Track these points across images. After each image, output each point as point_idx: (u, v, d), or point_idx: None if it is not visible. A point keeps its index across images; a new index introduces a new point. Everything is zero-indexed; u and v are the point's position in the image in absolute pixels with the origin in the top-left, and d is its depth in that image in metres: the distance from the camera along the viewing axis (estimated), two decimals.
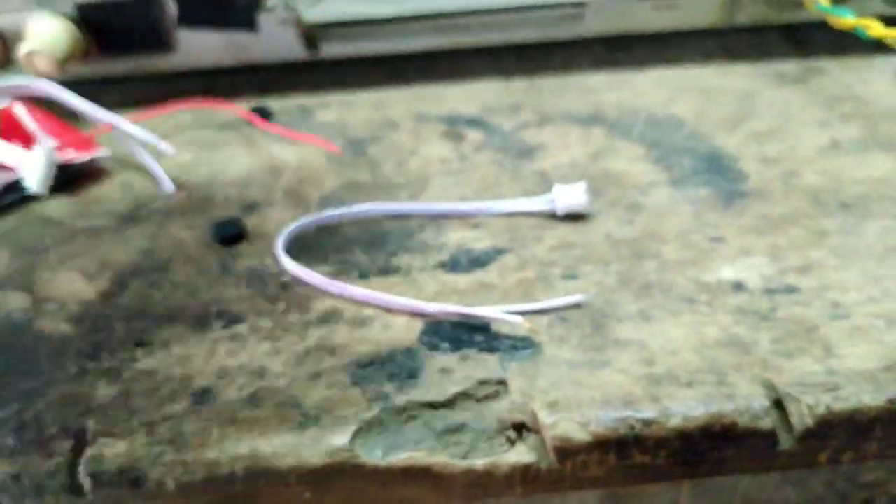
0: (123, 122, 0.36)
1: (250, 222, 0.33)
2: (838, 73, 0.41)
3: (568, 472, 0.24)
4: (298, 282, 0.30)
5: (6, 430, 0.25)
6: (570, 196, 0.32)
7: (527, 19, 0.41)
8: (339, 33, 0.41)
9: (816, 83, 0.40)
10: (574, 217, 0.32)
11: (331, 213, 0.33)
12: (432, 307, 0.28)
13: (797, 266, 0.29)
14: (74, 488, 0.24)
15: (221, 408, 0.25)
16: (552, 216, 0.32)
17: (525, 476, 0.24)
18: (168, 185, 0.36)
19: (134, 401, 0.25)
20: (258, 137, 0.40)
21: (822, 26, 0.39)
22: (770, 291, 0.28)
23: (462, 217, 0.33)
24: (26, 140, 0.36)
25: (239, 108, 0.41)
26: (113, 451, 0.24)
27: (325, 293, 0.29)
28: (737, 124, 0.37)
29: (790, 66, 0.42)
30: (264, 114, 0.41)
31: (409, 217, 0.33)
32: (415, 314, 0.28)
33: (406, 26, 0.41)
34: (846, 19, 0.37)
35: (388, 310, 0.28)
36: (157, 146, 0.36)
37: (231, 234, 0.32)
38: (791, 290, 0.28)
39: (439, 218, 0.33)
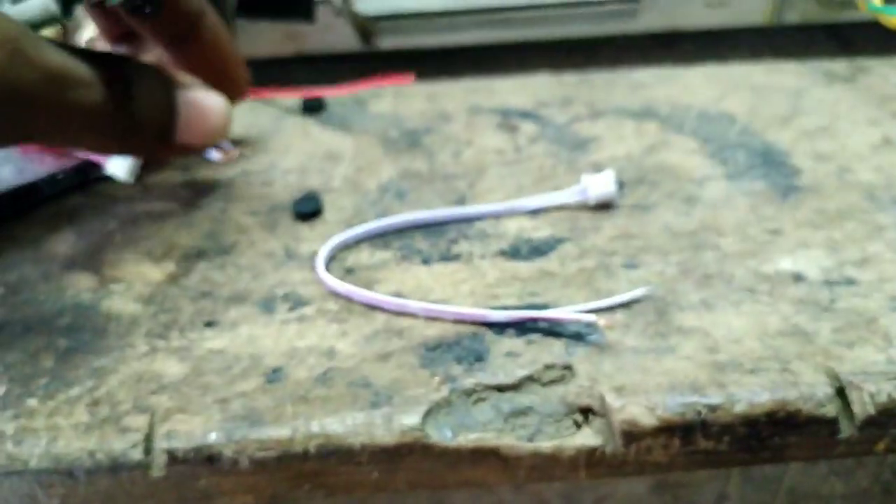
0: None
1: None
2: (887, 72, 0.41)
3: (632, 456, 0.25)
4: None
5: (80, 407, 0.25)
6: (600, 185, 0.32)
7: (579, 15, 0.41)
8: (394, 26, 0.42)
9: (865, 82, 0.40)
10: (632, 208, 0.32)
11: (368, 227, 0.32)
12: (496, 315, 0.27)
13: (855, 259, 0.29)
14: (149, 464, 0.24)
15: (293, 386, 0.25)
16: (609, 207, 0.33)
17: (590, 459, 0.25)
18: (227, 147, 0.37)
19: (206, 378, 0.26)
20: (313, 127, 0.40)
21: (867, 26, 0.39)
22: (829, 283, 0.28)
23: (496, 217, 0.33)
24: None
25: (294, 98, 0.42)
26: (187, 427, 0.24)
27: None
28: (788, 121, 0.37)
29: (838, 65, 0.42)
30: (316, 107, 0.41)
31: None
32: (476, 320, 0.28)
33: (459, 20, 0.41)
34: None
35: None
36: None
37: (310, 210, 0.33)
38: (850, 282, 0.28)
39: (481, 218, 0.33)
